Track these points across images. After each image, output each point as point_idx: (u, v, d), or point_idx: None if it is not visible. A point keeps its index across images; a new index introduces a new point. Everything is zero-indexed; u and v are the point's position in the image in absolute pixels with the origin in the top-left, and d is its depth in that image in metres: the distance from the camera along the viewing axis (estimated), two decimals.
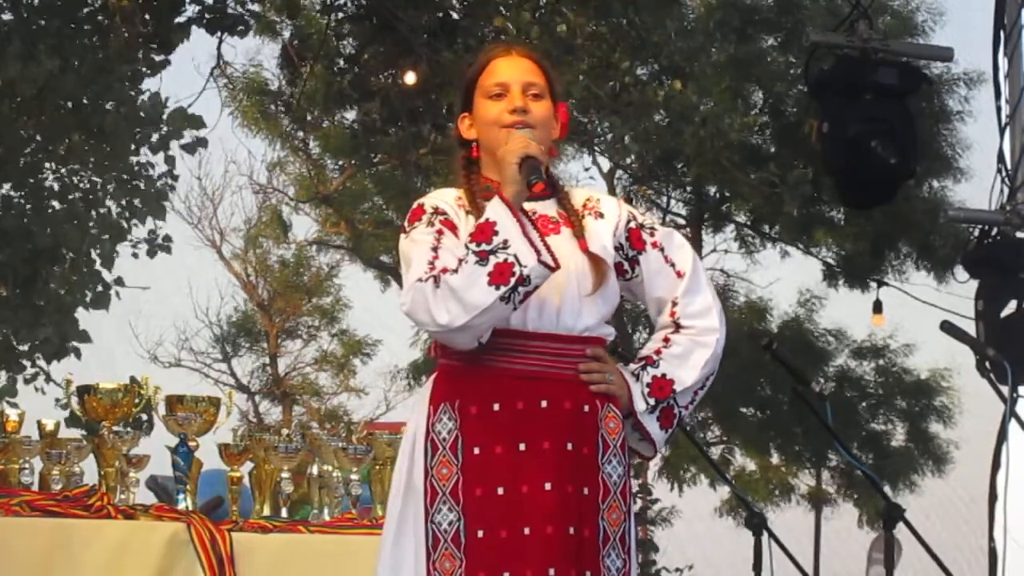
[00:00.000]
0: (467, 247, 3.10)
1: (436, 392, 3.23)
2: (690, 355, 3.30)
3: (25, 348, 10.95)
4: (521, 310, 3.15)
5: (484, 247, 3.08)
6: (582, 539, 3.15)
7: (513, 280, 3.06)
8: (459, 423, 3.18)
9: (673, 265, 3.34)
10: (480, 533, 3.12)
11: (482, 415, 3.17)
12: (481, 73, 3.34)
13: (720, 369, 3.37)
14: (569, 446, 3.17)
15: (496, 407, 3.17)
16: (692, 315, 3.32)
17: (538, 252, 3.08)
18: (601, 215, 3.33)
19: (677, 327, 3.32)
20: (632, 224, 3.35)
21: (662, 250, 3.34)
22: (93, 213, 10.96)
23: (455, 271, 3.08)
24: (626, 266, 3.33)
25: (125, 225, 11.25)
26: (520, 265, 3.06)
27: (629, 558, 3.22)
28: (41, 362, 11.14)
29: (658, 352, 3.31)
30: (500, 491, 3.13)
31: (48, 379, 11.22)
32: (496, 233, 3.09)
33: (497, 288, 3.06)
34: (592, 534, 3.17)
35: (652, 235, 3.35)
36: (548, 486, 3.13)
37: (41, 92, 9.64)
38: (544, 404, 3.18)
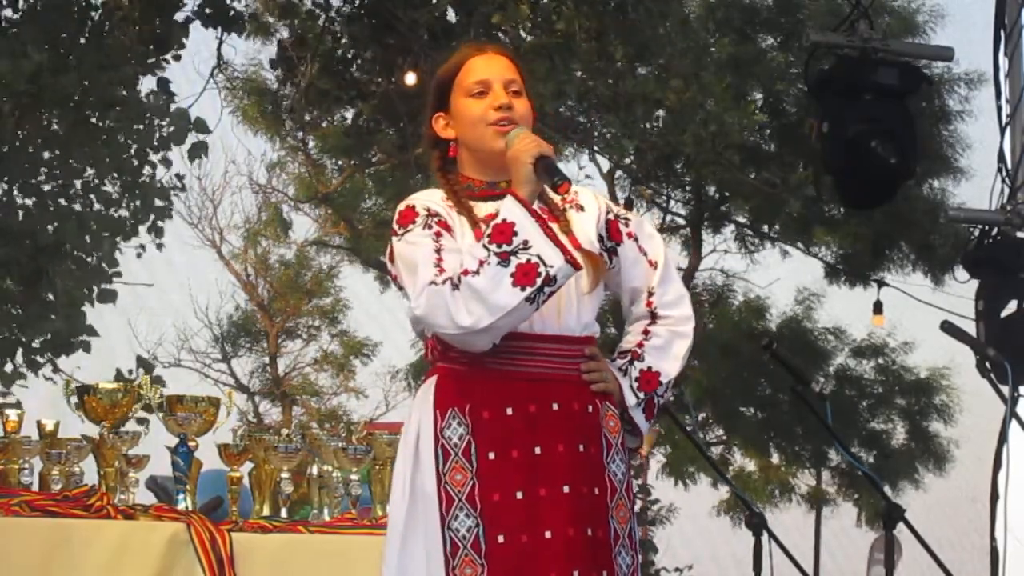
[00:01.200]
0: (486, 248, 3.07)
1: (441, 396, 3.20)
2: (671, 346, 3.33)
3: (36, 344, 10.95)
4: None
5: (505, 248, 3.06)
6: (597, 539, 3.16)
7: (540, 281, 3.05)
8: (471, 428, 3.16)
9: (646, 254, 3.36)
10: (500, 538, 3.10)
11: (495, 419, 3.16)
12: (459, 72, 3.34)
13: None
14: (581, 447, 3.17)
15: (509, 411, 3.16)
16: (668, 304, 3.35)
17: (565, 252, 3.08)
18: (582, 208, 3.33)
19: (654, 317, 3.35)
20: (610, 215, 3.36)
21: (636, 240, 3.36)
22: (94, 209, 10.94)
23: (476, 273, 3.06)
24: (606, 257, 3.34)
25: (126, 221, 11.22)
26: (546, 265, 3.06)
27: (636, 555, 3.24)
28: (52, 359, 11.13)
29: (640, 345, 3.33)
30: (519, 495, 3.12)
31: (56, 369, 11.22)
32: (516, 234, 3.08)
33: (523, 289, 3.04)
34: (604, 534, 3.17)
35: (627, 225, 3.37)
36: (567, 488, 3.13)
37: (40, 90, 9.63)
38: (555, 406, 3.17)
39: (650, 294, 3.35)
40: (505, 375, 3.17)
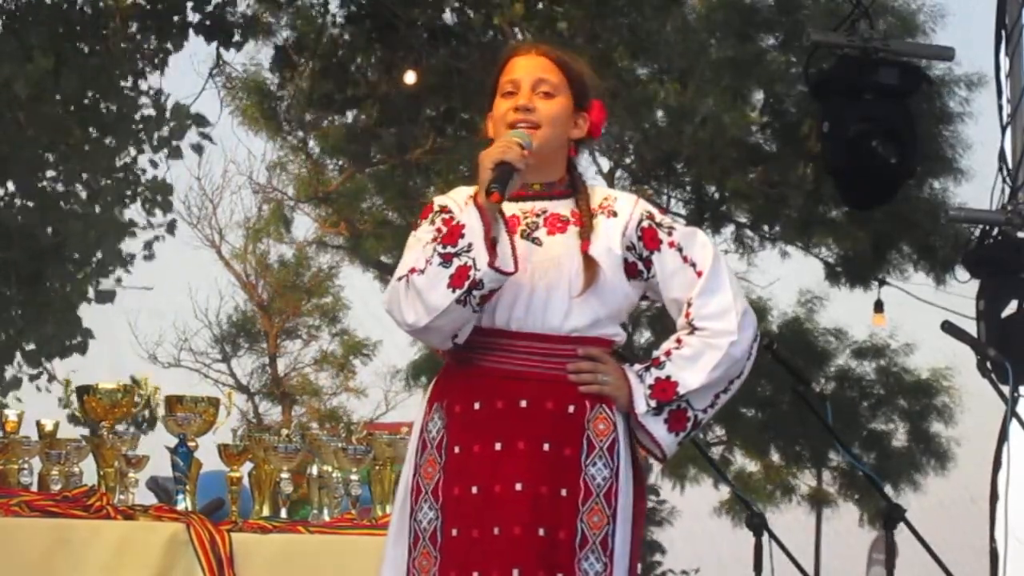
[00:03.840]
0: (434, 249, 3.12)
1: (432, 392, 3.27)
2: (699, 357, 3.23)
3: (31, 347, 10.93)
4: (507, 309, 3.16)
5: (450, 249, 3.10)
6: (556, 541, 3.12)
7: (467, 284, 3.07)
8: (446, 422, 3.20)
9: (693, 265, 3.26)
10: (454, 532, 3.14)
11: (464, 414, 3.19)
12: (501, 72, 3.34)
13: None
14: (546, 446, 3.14)
15: (477, 406, 3.18)
16: (707, 316, 3.24)
17: (492, 256, 3.07)
18: (614, 214, 3.28)
19: (692, 328, 3.25)
20: (645, 223, 3.28)
21: (680, 250, 3.26)
22: (97, 210, 10.92)
23: (422, 272, 3.11)
24: (640, 266, 3.27)
25: (128, 220, 11.20)
26: (475, 269, 3.07)
27: (611, 563, 3.16)
28: (45, 363, 11.12)
29: (668, 353, 3.25)
30: (475, 490, 3.14)
31: (51, 378, 11.21)
32: (463, 236, 3.10)
33: (454, 291, 3.07)
34: (568, 536, 3.12)
35: (670, 234, 3.27)
36: (519, 486, 3.12)
37: (40, 91, 9.62)
38: (524, 404, 3.16)
39: (689, 305, 3.25)
40: (482, 371, 3.19)
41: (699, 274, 3.26)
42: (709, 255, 3.28)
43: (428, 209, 3.29)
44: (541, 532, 3.11)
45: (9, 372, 11.16)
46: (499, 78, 3.33)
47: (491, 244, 3.09)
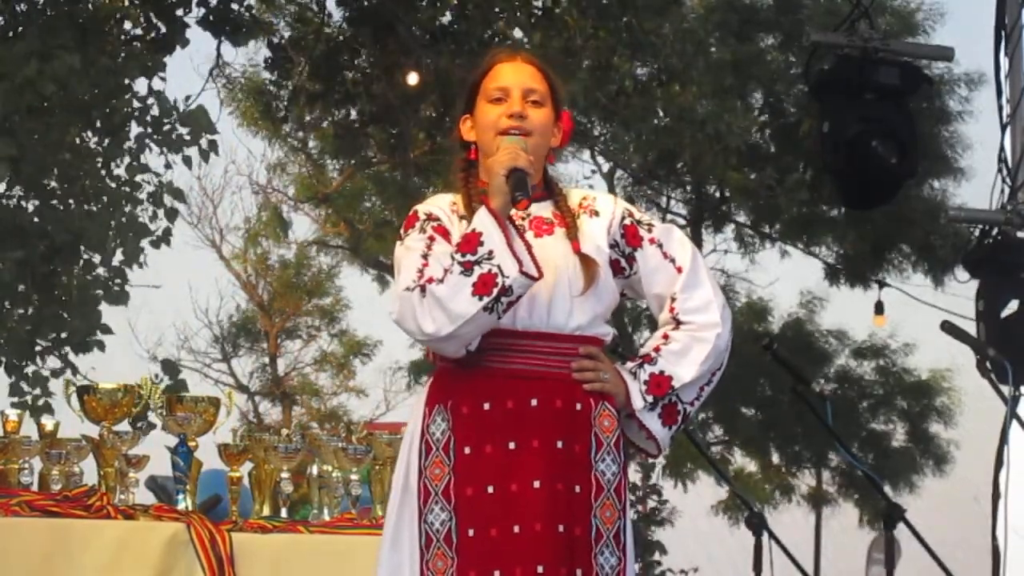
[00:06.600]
0: (452, 257, 3.13)
1: (431, 394, 3.27)
2: (689, 351, 3.29)
3: (48, 343, 10.93)
4: (511, 310, 3.17)
5: (469, 257, 3.12)
6: (573, 537, 3.16)
7: (496, 291, 3.09)
8: (451, 423, 3.21)
9: (673, 261, 3.33)
10: (471, 532, 3.15)
11: (473, 415, 3.20)
12: (485, 76, 3.37)
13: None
14: (559, 444, 3.18)
15: (486, 406, 3.20)
16: (691, 310, 3.31)
17: (520, 263, 3.10)
18: (596, 213, 3.34)
19: (677, 323, 3.32)
20: (627, 221, 3.35)
21: (660, 246, 3.34)
22: (110, 210, 10.91)
23: (441, 281, 3.12)
24: (623, 263, 3.34)
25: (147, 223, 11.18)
26: (503, 276, 3.09)
27: (624, 556, 3.22)
28: (70, 356, 11.10)
29: (657, 349, 3.31)
30: (490, 490, 3.16)
31: (74, 371, 11.20)
32: (482, 244, 3.12)
33: (480, 299, 3.09)
34: (584, 532, 3.17)
35: (650, 231, 3.35)
36: (537, 484, 3.15)
37: (60, 90, 9.61)
38: (534, 403, 3.19)
39: (672, 300, 3.32)
40: (489, 372, 3.21)
41: (679, 269, 3.33)
42: (688, 250, 3.36)
43: (413, 218, 3.29)
44: (560, 529, 3.15)
45: (30, 369, 11.14)
46: (482, 82, 3.35)
47: (514, 250, 3.12)
